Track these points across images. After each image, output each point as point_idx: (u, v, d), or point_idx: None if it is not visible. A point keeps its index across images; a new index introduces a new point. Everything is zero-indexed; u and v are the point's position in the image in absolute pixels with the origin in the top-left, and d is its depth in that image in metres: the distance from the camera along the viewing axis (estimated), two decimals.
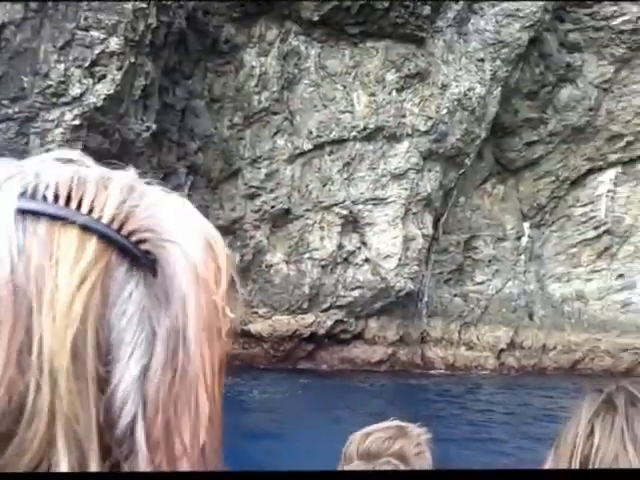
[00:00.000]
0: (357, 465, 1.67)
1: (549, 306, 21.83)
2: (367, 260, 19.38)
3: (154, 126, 16.96)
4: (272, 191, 19.32)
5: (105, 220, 0.59)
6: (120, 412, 0.56)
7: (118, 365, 0.57)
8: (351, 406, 16.02)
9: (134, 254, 0.59)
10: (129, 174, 0.65)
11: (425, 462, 1.71)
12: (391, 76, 19.12)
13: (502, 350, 21.29)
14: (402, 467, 1.63)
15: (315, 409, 15.80)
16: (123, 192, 0.62)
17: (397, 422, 1.77)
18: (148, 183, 0.66)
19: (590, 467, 1.08)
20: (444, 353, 21.00)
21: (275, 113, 19.26)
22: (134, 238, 0.60)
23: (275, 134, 19.32)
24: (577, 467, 1.10)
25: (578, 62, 20.75)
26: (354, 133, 19.15)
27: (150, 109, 17.11)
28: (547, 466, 1.18)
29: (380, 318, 19.80)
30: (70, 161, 0.64)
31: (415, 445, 1.70)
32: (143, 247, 0.60)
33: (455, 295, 21.51)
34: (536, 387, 19.08)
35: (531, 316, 21.74)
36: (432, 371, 20.54)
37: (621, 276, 21.64)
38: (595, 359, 21.32)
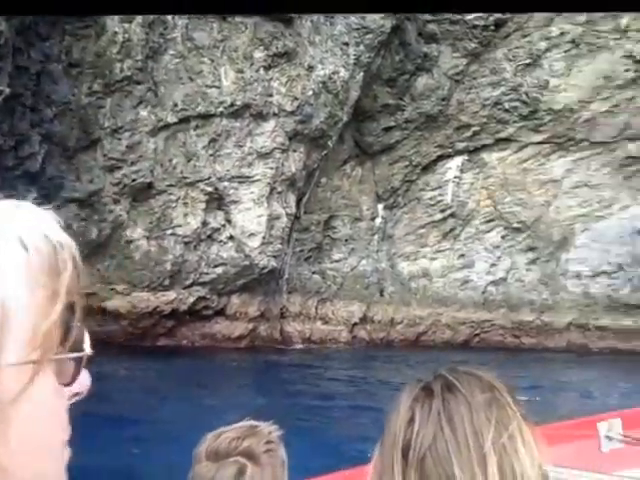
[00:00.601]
0: (205, 465, 1.58)
1: (398, 283, 21.59)
2: (231, 238, 17.98)
3: (7, 90, 14.45)
4: (133, 164, 17.33)
5: None
6: None
7: None
8: (213, 382, 14.95)
9: None
10: None
11: (276, 459, 1.61)
12: (259, 54, 17.61)
13: (355, 324, 20.89)
14: (250, 465, 1.54)
15: (176, 387, 14.55)
16: None
17: (250, 422, 1.68)
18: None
19: (411, 452, 1.02)
20: (301, 327, 20.24)
21: (138, 82, 17.18)
22: None
23: (138, 104, 17.27)
24: (399, 454, 1.04)
25: (434, 53, 20.23)
26: (221, 109, 17.52)
27: (2, 71, 14.63)
28: (374, 460, 1.10)
29: (242, 294, 18.57)
30: None
31: (265, 443, 1.60)
32: None
33: (314, 272, 20.72)
34: (385, 358, 18.87)
35: (382, 292, 21.43)
36: (290, 345, 19.75)
37: (462, 256, 21.76)
38: (437, 332, 21.42)
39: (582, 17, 20.56)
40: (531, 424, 1.07)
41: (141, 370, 15.67)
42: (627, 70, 20.75)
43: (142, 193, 17.48)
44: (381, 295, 21.38)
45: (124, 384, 14.65)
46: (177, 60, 17.47)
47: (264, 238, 17.96)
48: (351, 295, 20.93)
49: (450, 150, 21.16)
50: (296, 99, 18.08)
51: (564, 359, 20.04)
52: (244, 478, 1.54)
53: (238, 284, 18.28)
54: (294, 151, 18.33)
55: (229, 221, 18.00)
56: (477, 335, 21.58)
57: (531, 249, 21.70)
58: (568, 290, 21.66)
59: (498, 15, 19.93)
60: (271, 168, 17.95)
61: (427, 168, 21.31)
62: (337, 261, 20.97)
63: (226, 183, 17.76)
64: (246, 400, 13.21)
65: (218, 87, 17.60)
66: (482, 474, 0.99)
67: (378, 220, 21.38)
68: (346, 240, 20.97)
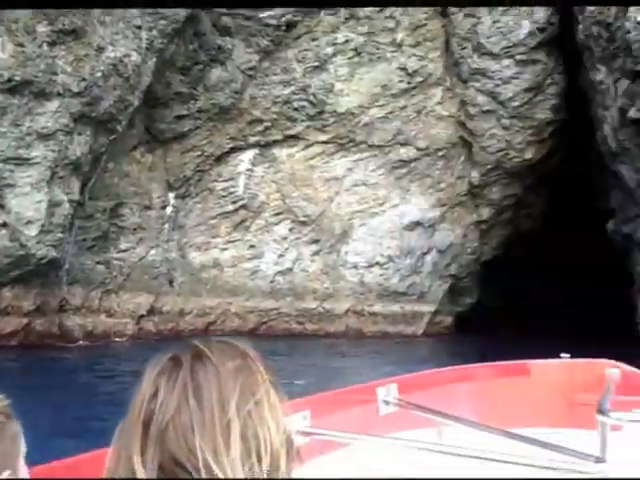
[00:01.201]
0: None
1: (188, 273, 19.82)
2: (5, 225, 15.01)
3: None
4: None
5: None
6: None
7: None
8: None
9: None
10: None
11: (5, 431, 1.31)
12: (43, 28, 14.90)
13: (142, 316, 18.80)
14: None
15: None
16: None
17: None
18: None
19: (153, 425, 0.90)
20: (83, 321, 17.70)
21: None
22: None
23: None
24: (140, 428, 0.90)
25: (228, 46, 18.70)
26: None
27: None
28: (114, 438, 0.93)
29: (15, 287, 15.71)
30: None
31: None
32: None
33: (98, 262, 18.23)
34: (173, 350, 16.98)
35: (171, 282, 19.54)
36: (71, 340, 17.14)
37: (252, 247, 20.56)
38: (226, 321, 20.04)
39: (364, 28, 20.24)
40: (280, 392, 0.97)
41: None
42: (401, 81, 20.85)
43: None
44: (171, 285, 19.49)
45: None
46: None
47: (43, 226, 15.22)
48: (139, 286, 18.77)
49: (243, 143, 19.82)
50: (83, 80, 15.58)
51: (342, 343, 19.81)
52: None
53: (11, 276, 15.38)
54: (79, 134, 15.77)
55: (2, 206, 15.05)
56: (264, 323, 20.54)
57: (315, 241, 21.09)
58: (347, 279, 21.37)
59: (289, 16, 18.86)
60: (53, 151, 15.26)
61: (220, 159, 19.76)
62: (124, 251, 18.67)
63: (0, 165, 14.74)
64: (16, 404, 10.75)
65: None
66: (225, 443, 0.89)
67: (169, 209, 19.45)
68: (134, 229, 18.76)
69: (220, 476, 0.87)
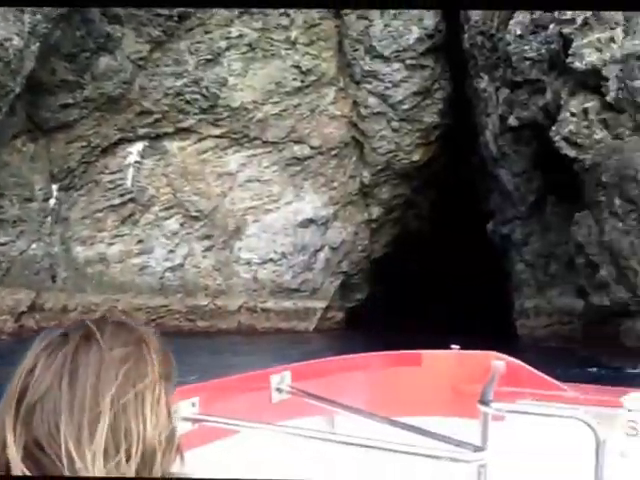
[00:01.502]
0: None
1: (72, 268, 18.92)
2: None
3: None
4: None
5: None
6: None
7: None
8: None
9: None
10: None
11: None
12: None
13: (22, 313, 17.75)
14: None
15: None
16: None
17: None
18: None
19: (27, 398, 0.86)
20: None
21: None
22: None
23: None
24: (13, 405, 0.86)
25: (118, 34, 17.95)
26: None
27: None
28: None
29: None
30: None
31: None
32: None
33: None
34: None
35: (54, 278, 18.57)
36: None
37: (141, 241, 19.92)
38: (112, 318, 19.09)
39: (258, 23, 20.08)
40: (171, 386, 0.93)
41: None
42: (294, 79, 20.89)
43: None
44: (53, 281, 18.53)
45: None
46: None
47: None
48: (19, 281, 17.77)
49: (131, 134, 19.15)
50: None
51: (235, 340, 19.61)
52: None
53: None
54: None
55: None
56: (153, 320, 19.87)
57: (207, 237, 20.74)
58: (240, 276, 21.18)
59: (181, 8, 18.37)
60: None
61: (107, 150, 19.00)
62: (3, 244, 17.64)
63: None
64: None
65: None
66: (90, 433, 0.84)
67: (52, 201, 18.51)
68: (14, 222, 17.71)
69: (79, 466, 0.83)
